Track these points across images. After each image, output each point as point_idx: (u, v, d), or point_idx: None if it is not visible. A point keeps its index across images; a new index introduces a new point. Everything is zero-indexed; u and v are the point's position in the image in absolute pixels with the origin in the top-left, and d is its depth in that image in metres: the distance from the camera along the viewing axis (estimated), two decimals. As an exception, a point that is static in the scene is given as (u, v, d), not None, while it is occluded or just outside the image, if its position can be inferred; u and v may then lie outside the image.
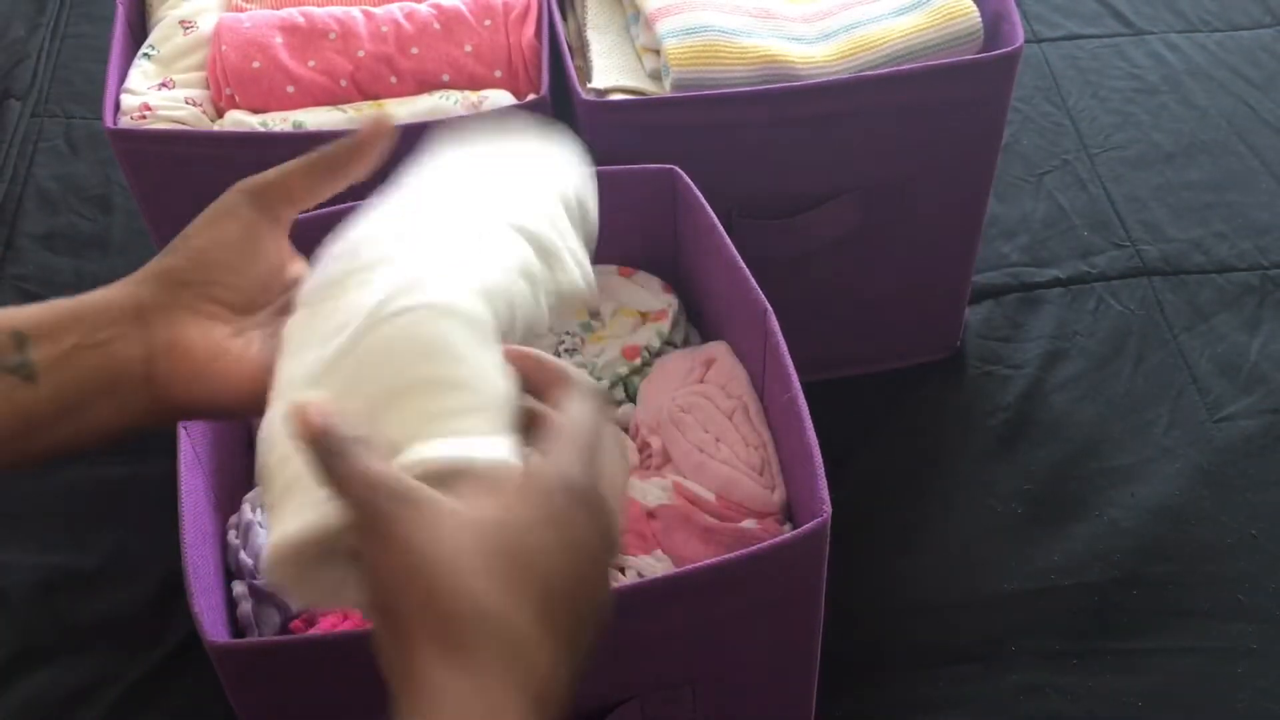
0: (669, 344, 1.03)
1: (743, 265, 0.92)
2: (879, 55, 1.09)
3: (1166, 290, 1.37)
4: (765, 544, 0.78)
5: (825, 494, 0.81)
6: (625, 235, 0.99)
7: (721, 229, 0.95)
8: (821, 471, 0.82)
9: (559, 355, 0.90)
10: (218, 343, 0.54)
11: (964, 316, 1.31)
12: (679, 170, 1.00)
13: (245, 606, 0.88)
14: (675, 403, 0.96)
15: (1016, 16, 1.10)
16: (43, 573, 1.15)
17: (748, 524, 0.89)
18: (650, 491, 0.91)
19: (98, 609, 1.13)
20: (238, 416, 0.66)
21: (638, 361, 1.01)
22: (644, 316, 1.05)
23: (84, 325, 0.53)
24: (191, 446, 0.89)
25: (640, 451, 0.96)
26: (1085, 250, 1.41)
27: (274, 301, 0.57)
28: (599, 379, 1.00)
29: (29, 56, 1.62)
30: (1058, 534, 1.17)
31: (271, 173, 0.57)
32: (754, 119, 1.06)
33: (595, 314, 1.06)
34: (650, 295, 1.06)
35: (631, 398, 1.00)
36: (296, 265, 0.59)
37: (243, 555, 0.90)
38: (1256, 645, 1.10)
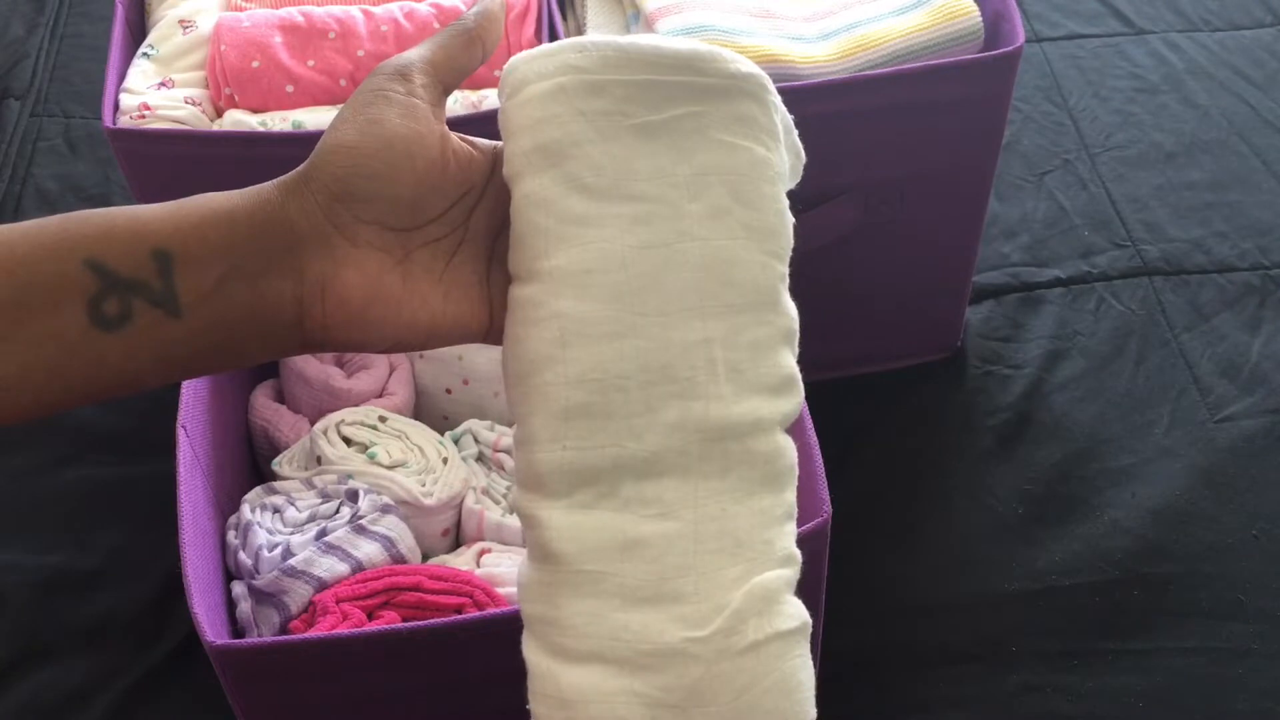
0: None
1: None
2: (879, 55, 1.09)
3: (1167, 290, 1.37)
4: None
5: (825, 494, 0.81)
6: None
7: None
8: (822, 471, 0.82)
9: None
10: (375, 282, 0.49)
11: (964, 316, 1.31)
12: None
13: (245, 607, 0.88)
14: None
15: (1017, 16, 1.09)
16: (43, 573, 1.15)
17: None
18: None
19: (98, 609, 1.13)
20: (396, 351, 0.62)
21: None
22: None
23: (234, 253, 0.47)
24: (191, 446, 0.89)
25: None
26: (1086, 250, 1.40)
27: (437, 215, 0.50)
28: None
29: (28, 56, 1.62)
30: (1058, 534, 1.17)
31: (407, 53, 0.51)
32: (754, 119, 1.06)
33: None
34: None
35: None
36: (459, 167, 0.51)
37: (242, 555, 0.90)
38: (1256, 645, 1.10)
